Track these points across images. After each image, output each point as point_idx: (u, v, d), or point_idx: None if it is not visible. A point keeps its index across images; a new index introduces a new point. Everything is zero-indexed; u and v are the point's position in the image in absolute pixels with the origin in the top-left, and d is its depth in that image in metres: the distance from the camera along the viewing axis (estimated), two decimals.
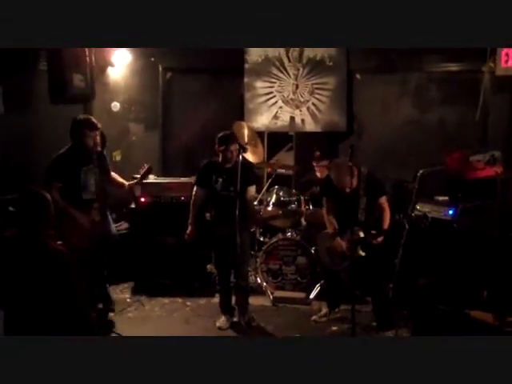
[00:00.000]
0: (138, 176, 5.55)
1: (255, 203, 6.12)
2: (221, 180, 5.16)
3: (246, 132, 6.13)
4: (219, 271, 5.48)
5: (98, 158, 5.12)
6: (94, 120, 5.09)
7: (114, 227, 5.59)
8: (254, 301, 5.73)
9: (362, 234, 4.71)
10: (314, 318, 5.43)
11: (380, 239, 4.84)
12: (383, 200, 4.97)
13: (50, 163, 5.03)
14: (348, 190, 4.90)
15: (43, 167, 5.08)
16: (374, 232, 4.82)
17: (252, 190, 5.23)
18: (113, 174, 5.50)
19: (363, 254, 4.73)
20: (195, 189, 5.32)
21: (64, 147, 5.12)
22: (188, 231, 5.26)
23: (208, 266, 6.29)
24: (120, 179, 5.52)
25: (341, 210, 5.05)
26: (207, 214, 5.44)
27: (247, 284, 5.47)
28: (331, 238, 5.10)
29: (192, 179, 5.84)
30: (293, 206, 6.18)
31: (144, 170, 5.52)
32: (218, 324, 5.30)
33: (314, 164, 6.18)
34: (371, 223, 4.86)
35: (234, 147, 5.03)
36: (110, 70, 7.09)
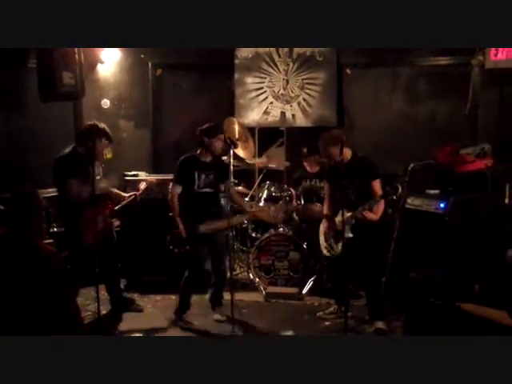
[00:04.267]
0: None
1: (246, 199, 6.14)
2: (203, 176, 5.15)
3: (236, 128, 6.11)
4: (194, 267, 5.21)
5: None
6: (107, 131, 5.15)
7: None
8: (246, 296, 5.76)
9: (349, 214, 4.73)
10: (319, 314, 5.37)
11: (372, 216, 4.79)
12: (376, 184, 4.89)
13: (64, 161, 5.02)
14: (339, 161, 4.75)
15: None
16: (363, 207, 4.76)
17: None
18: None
19: (351, 235, 4.80)
20: (172, 186, 5.19)
21: (68, 148, 5.11)
22: (180, 228, 5.09)
23: None
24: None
25: (335, 191, 5.06)
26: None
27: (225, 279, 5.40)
28: (325, 222, 5.13)
29: None
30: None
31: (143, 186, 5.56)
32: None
33: (304, 161, 6.22)
34: (362, 205, 4.80)
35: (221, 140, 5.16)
36: (99, 67, 7.07)
